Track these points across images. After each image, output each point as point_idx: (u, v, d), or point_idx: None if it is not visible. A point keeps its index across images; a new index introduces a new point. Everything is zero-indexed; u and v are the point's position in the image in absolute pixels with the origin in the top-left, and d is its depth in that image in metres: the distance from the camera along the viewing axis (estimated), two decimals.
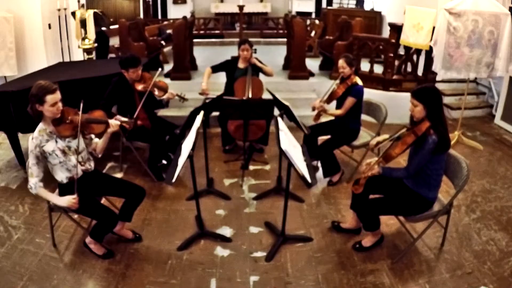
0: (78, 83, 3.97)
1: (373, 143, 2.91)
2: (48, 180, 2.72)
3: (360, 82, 3.63)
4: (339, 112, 3.66)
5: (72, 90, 3.89)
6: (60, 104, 2.43)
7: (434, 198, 2.62)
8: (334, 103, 3.81)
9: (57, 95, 2.39)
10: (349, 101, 3.59)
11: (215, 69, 4.45)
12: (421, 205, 2.59)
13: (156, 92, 3.73)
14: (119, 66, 3.62)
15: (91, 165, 2.71)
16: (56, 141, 2.48)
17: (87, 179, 2.64)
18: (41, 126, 2.46)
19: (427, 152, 2.41)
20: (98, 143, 2.75)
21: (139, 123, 3.63)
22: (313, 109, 3.76)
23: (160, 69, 3.92)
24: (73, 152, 2.54)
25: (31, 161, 2.43)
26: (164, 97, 3.82)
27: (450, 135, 4.62)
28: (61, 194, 2.60)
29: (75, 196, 2.44)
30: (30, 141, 2.42)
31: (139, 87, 3.63)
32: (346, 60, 3.61)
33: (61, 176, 2.56)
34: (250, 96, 3.90)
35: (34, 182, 2.43)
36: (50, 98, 2.35)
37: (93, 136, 2.74)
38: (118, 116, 3.08)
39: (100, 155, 2.78)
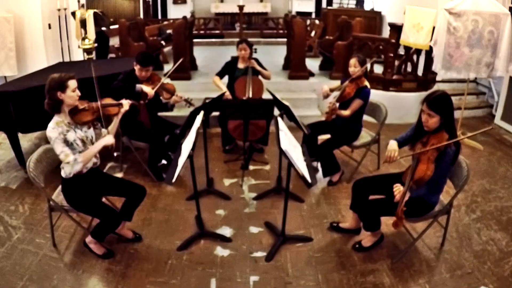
0: (78, 83, 3.96)
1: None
2: (49, 180, 2.73)
3: (368, 85, 3.62)
4: (346, 113, 3.60)
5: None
6: (78, 91, 2.49)
7: (435, 202, 2.61)
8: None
9: (76, 81, 2.49)
10: (357, 103, 3.57)
11: (221, 74, 4.44)
12: (422, 207, 2.58)
13: (164, 94, 3.74)
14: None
15: (98, 158, 2.73)
16: (75, 131, 2.51)
17: (90, 177, 2.64)
18: (56, 118, 2.46)
19: (447, 163, 2.35)
20: (109, 128, 2.76)
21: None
22: (324, 97, 3.80)
23: (166, 77, 3.90)
24: (90, 142, 2.59)
25: (59, 147, 2.40)
26: (171, 100, 3.83)
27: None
28: (65, 188, 2.60)
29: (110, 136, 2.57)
30: (50, 131, 2.40)
31: (146, 87, 3.63)
32: (358, 60, 3.58)
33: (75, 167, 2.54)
34: (250, 95, 3.91)
35: (74, 157, 2.42)
36: (71, 83, 2.45)
37: (103, 129, 2.76)
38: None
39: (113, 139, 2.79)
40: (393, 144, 2.65)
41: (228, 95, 4.17)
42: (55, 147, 2.42)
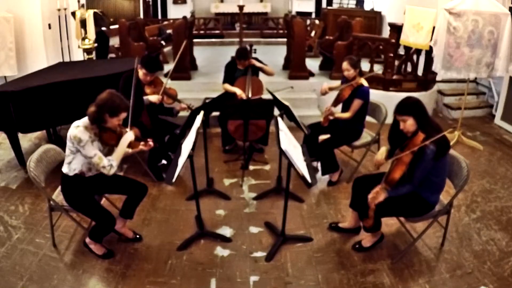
0: (78, 83, 3.97)
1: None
2: (49, 180, 2.73)
3: (365, 83, 3.62)
4: (346, 115, 3.61)
5: (72, 90, 3.90)
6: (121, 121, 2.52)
7: (436, 202, 2.61)
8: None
9: (126, 114, 2.50)
10: (356, 103, 3.57)
11: (228, 80, 4.37)
12: (422, 207, 2.58)
13: (166, 99, 3.75)
14: (140, 61, 3.61)
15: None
16: (95, 143, 2.50)
17: (90, 177, 2.63)
18: (88, 123, 2.46)
19: (428, 162, 2.38)
20: (114, 156, 2.68)
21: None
22: (322, 94, 3.88)
23: (168, 79, 3.91)
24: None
25: (91, 150, 2.41)
26: (177, 107, 3.86)
27: (450, 135, 4.66)
28: (65, 187, 2.60)
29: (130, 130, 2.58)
30: (81, 132, 2.39)
31: (148, 90, 3.64)
32: (349, 62, 3.57)
33: (78, 167, 2.54)
34: (250, 95, 3.91)
35: (108, 160, 2.45)
36: (123, 115, 2.48)
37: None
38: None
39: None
40: (382, 150, 2.76)
41: (241, 94, 4.13)
42: (87, 149, 2.41)
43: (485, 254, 2.80)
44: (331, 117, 3.63)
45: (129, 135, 2.59)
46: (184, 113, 3.75)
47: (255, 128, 4.05)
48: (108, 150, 2.63)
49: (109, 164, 2.46)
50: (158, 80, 3.74)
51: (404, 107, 2.46)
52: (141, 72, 3.59)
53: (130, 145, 2.65)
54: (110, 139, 2.54)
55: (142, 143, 2.69)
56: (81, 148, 2.42)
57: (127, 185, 2.80)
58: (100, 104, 2.41)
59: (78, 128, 2.42)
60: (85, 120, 2.48)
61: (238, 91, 4.17)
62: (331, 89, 3.84)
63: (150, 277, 2.58)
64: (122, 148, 2.55)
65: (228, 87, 4.31)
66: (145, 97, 3.61)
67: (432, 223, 2.69)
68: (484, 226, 3.14)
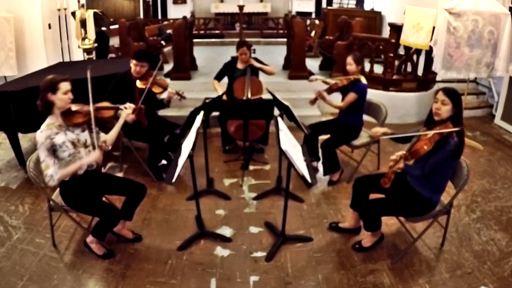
0: (78, 83, 3.96)
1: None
2: None
3: (364, 81, 3.67)
4: (339, 104, 3.71)
5: (72, 90, 3.89)
6: (70, 94, 2.48)
7: (437, 202, 2.61)
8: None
9: (69, 84, 2.47)
10: (350, 96, 3.63)
11: (219, 77, 4.46)
12: (423, 207, 2.58)
13: (155, 88, 3.72)
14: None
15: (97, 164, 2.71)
16: (66, 133, 2.49)
17: (87, 178, 2.64)
18: (48, 121, 2.47)
19: (448, 152, 2.38)
20: (108, 134, 2.76)
21: (135, 118, 3.41)
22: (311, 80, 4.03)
23: (160, 63, 3.92)
24: (82, 144, 2.57)
25: (43, 154, 2.40)
26: (165, 95, 3.81)
27: None
28: (63, 192, 2.60)
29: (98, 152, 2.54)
30: (39, 135, 2.40)
31: (139, 84, 3.63)
32: (353, 57, 3.68)
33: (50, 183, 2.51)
34: (249, 96, 3.91)
35: (52, 171, 2.40)
36: (63, 85, 2.44)
37: (101, 134, 2.74)
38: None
39: (110, 147, 2.77)
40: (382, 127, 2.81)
41: (224, 98, 4.12)
42: (39, 153, 2.42)
43: (485, 254, 2.80)
44: (321, 99, 3.73)
45: (94, 156, 2.53)
46: (185, 113, 3.74)
47: (255, 128, 4.05)
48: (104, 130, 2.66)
49: (51, 174, 2.39)
50: (149, 74, 3.72)
51: (451, 92, 2.43)
52: (132, 65, 3.61)
53: (101, 117, 2.66)
54: (76, 119, 2.52)
55: (123, 107, 2.70)
56: (38, 151, 2.42)
57: (126, 186, 2.80)
58: (39, 92, 2.44)
59: (39, 130, 2.43)
60: (47, 119, 2.48)
61: (220, 91, 4.14)
62: (324, 82, 3.96)
63: (150, 277, 2.58)
64: (76, 165, 2.49)
65: (215, 84, 4.40)
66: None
67: (432, 223, 2.69)
68: (484, 226, 3.14)
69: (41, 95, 2.43)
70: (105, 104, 2.78)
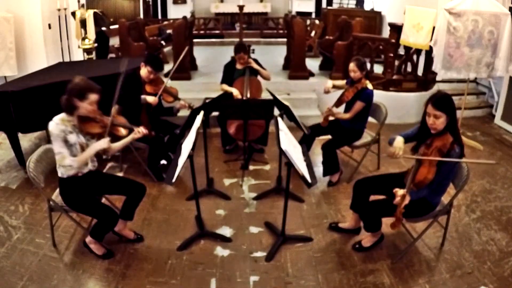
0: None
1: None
2: (49, 180, 2.72)
3: (370, 87, 3.59)
4: (346, 115, 3.62)
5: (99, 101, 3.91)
6: (96, 106, 2.46)
7: (438, 203, 2.60)
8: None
9: (98, 96, 2.44)
10: (358, 105, 3.56)
11: (225, 81, 4.41)
12: (424, 208, 2.57)
13: (166, 98, 3.76)
14: (144, 60, 3.65)
15: (95, 165, 2.72)
16: (78, 136, 2.49)
17: (87, 178, 2.64)
18: (64, 116, 2.45)
19: (451, 166, 2.35)
20: (113, 144, 2.70)
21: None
22: (325, 92, 3.83)
23: (169, 79, 3.92)
24: None
25: (57, 145, 2.38)
26: (177, 105, 3.85)
27: None
28: (62, 189, 2.60)
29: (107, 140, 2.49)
30: (53, 126, 2.38)
31: (149, 88, 3.65)
32: (357, 64, 3.51)
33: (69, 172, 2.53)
34: (248, 96, 3.91)
35: (70, 161, 2.40)
36: (92, 96, 2.42)
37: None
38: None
39: (110, 157, 2.78)
40: (400, 141, 2.59)
41: (237, 94, 4.16)
42: (54, 145, 2.41)
43: (485, 254, 2.80)
44: (331, 118, 3.64)
45: (102, 143, 2.49)
46: (184, 113, 3.74)
47: (255, 128, 4.05)
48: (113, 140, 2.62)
49: (69, 164, 2.40)
50: (159, 79, 3.74)
51: (441, 103, 2.29)
52: (145, 70, 3.62)
53: (115, 133, 2.62)
54: (92, 128, 2.51)
55: (136, 131, 2.66)
56: (52, 142, 2.41)
57: (125, 186, 2.80)
58: (67, 90, 2.40)
59: (52, 122, 2.41)
60: (62, 113, 2.46)
61: (235, 91, 4.18)
62: (335, 86, 3.84)
63: (150, 277, 2.58)
64: (90, 152, 2.49)
65: (226, 87, 4.33)
66: (142, 96, 3.61)
67: (432, 223, 2.69)
68: (484, 226, 3.14)
69: (67, 95, 2.40)
70: (122, 120, 2.76)
